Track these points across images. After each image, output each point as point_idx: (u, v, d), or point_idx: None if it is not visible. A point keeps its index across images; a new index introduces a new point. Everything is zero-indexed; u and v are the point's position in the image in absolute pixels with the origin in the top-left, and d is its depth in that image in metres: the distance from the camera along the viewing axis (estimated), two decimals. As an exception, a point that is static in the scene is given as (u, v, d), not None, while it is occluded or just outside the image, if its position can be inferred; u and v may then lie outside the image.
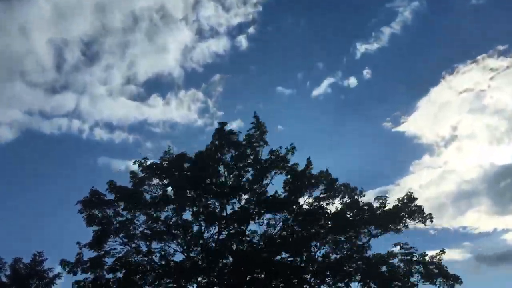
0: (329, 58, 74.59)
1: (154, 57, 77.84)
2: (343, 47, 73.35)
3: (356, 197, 23.59)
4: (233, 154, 24.36)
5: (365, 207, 22.84)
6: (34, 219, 58.80)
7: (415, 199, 22.82)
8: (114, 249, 23.65)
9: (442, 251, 22.07)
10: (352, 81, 68.51)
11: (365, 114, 72.34)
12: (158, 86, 75.04)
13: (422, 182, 63.60)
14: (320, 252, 22.63)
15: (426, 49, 74.20)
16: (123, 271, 22.96)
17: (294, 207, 23.31)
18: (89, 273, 23.23)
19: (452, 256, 53.20)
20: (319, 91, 69.87)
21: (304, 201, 23.84)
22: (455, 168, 70.77)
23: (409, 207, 22.71)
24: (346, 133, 70.97)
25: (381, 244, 22.66)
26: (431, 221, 22.69)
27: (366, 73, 68.98)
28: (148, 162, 24.34)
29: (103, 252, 23.54)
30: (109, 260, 23.40)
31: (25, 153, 66.43)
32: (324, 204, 23.59)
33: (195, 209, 23.76)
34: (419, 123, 70.62)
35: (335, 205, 23.58)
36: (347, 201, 23.45)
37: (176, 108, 72.73)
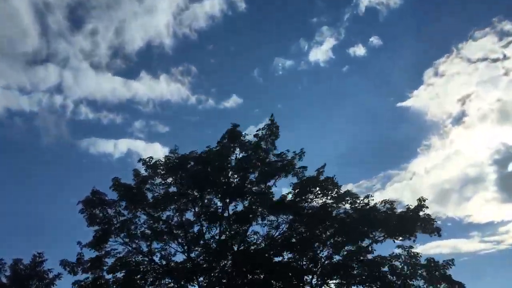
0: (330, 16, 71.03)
1: (143, 20, 70.07)
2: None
3: (361, 204, 23.29)
4: (241, 156, 24.34)
5: (373, 212, 22.40)
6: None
7: (425, 206, 22.23)
8: (115, 249, 23.61)
9: (452, 261, 21.57)
10: (357, 50, 65.97)
11: (370, 87, 69.43)
12: (147, 58, 71.05)
13: (428, 165, 61.35)
14: (323, 253, 22.39)
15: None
16: (124, 271, 22.88)
17: (300, 210, 23.11)
18: (89, 273, 23.14)
19: (463, 246, 52.00)
20: (321, 59, 67.71)
21: (309, 204, 23.65)
22: (463, 149, 66.42)
23: (418, 216, 21.81)
24: (346, 107, 68.23)
25: (384, 246, 22.35)
26: (439, 235, 22.20)
27: (372, 40, 65.87)
28: (153, 161, 24.37)
29: (103, 252, 23.45)
30: (109, 260, 23.38)
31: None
32: (330, 209, 23.39)
33: (196, 209, 23.73)
34: (426, 97, 66.35)
35: (341, 210, 23.35)
36: (354, 206, 23.16)
37: (167, 83, 68.97)
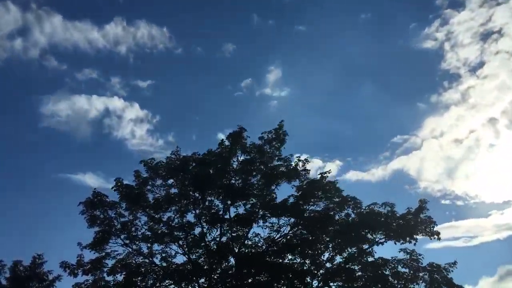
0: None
1: None
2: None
3: (363, 210, 23.19)
4: (244, 158, 24.25)
5: (373, 215, 22.31)
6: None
7: (426, 208, 22.17)
8: (115, 250, 23.55)
9: (454, 263, 21.50)
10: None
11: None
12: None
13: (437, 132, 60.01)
14: (324, 256, 22.33)
15: None
16: (124, 273, 22.82)
17: (302, 213, 23.03)
18: (90, 274, 23.06)
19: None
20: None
21: (311, 208, 23.53)
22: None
23: (419, 218, 21.59)
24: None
25: (386, 249, 22.27)
26: (438, 239, 22.15)
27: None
28: (155, 162, 24.36)
29: (104, 254, 23.39)
30: (109, 262, 23.32)
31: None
32: (332, 213, 23.30)
33: (197, 211, 23.69)
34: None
35: (343, 213, 23.22)
36: (355, 211, 23.05)
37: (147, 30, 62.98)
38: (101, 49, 63.88)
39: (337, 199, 23.02)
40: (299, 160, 24.07)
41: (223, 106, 76.04)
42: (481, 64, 64.87)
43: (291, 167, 23.88)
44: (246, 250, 22.94)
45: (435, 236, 21.77)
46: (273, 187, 23.88)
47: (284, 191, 24.07)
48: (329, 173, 23.60)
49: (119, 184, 23.64)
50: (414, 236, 21.43)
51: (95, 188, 23.91)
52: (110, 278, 22.94)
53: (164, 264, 23.27)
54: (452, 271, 21.14)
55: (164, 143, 68.07)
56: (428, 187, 64.47)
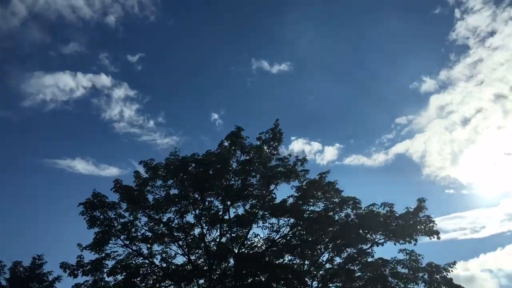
0: None
1: None
2: None
3: (362, 210, 23.23)
4: (243, 159, 24.29)
5: (373, 215, 22.32)
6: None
7: (425, 208, 22.17)
8: (115, 251, 23.55)
9: (454, 263, 21.50)
10: None
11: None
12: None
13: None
14: (323, 257, 22.36)
15: None
16: (124, 273, 22.83)
17: (301, 214, 23.05)
18: (90, 275, 23.07)
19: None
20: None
21: (310, 208, 23.56)
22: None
23: (418, 218, 21.67)
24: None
25: (385, 249, 22.29)
26: (438, 238, 22.17)
27: None
28: (154, 163, 24.36)
29: (104, 255, 23.39)
30: (110, 263, 23.31)
31: None
32: (332, 213, 23.33)
33: (197, 212, 23.71)
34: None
35: (342, 214, 23.24)
36: (355, 212, 23.07)
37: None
38: (88, 21, 59.66)
39: (336, 200, 23.04)
40: (298, 160, 24.11)
41: (218, 82, 72.54)
42: (492, 33, 60.57)
43: (290, 167, 23.90)
44: (246, 251, 22.99)
45: (435, 236, 21.82)
46: (272, 188, 23.94)
47: (283, 192, 24.11)
48: (328, 173, 23.65)
49: (118, 185, 23.65)
50: (414, 236, 21.46)
51: (94, 189, 23.98)
52: (110, 279, 22.97)
53: (164, 265, 23.35)
54: (452, 271, 21.18)
55: (155, 125, 66.01)
56: (431, 174, 61.55)
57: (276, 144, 24.50)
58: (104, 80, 58.89)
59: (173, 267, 23.17)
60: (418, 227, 21.61)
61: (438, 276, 21.23)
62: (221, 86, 72.76)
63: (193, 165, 24.12)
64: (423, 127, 65.93)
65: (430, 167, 63.45)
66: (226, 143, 24.37)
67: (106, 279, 22.96)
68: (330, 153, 68.42)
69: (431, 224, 21.69)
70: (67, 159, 62.21)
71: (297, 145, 65.90)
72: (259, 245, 23.19)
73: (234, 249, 22.72)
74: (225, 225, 23.35)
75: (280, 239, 23.01)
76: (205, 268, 22.56)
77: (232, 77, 72.00)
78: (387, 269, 21.00)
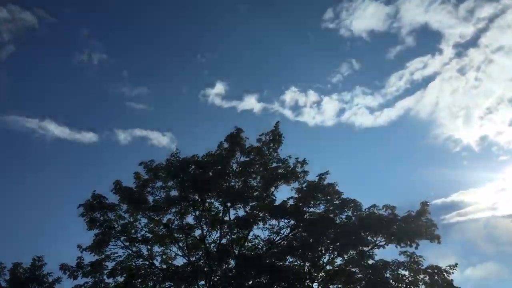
0: None
1: None
2: None
3: (363, 212, 23.15)
4: (243, 160, 24.26)
5: (374, 218, 22.23)
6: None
7: (428, 212, 22.01)
8: (115, 252, 23.58)
9: (456, 265, 21.41)
10: None
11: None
12: None
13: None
14: (324, 258, 22.28)
15: None
16: (124, 275, 22.83)
17: (302, 215, 23.00)
18: (89, 277, 23.06)
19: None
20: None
21: (310, 210, 23.51)
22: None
23: (421, 221, 21.41)
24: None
25: (387, 251, 22.22)
26: (439, 243, 22.03)
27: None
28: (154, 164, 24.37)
29: (103, 256, 23.39)
30: (109, 264, 23.37)
31: None
32: (332, 215, 23.28)
33: (197, 213, 23.69)
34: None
35: (343, 216, 23.16)
36: (356, 214, 22.98)
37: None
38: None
39: (337, 201, 22.99)
40: (298, 162, 24.06)
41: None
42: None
43: (290, 169, 23.86)
44: (246, 252, 22.95)
45: (436, 240, 21.72)
46: (272, 189, 23.90)
47: (284, 193, 24.06)
48: (328, 174, 23.59)
49: (118, 186, 23.63)
50: (415, 240, 21.38)
51: (94, 190, 23.97)
52: (110, 280, 23.03)
53: (164, 266, 23.38)
54: (453, 273, 21.11)
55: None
56: (440, 136, 57.15)
57: (276, 146, 24.47)
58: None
59: (173, 268, 23.16)
60: (420, 231, 21.53)
61: (439, 279, 21.18)
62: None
63: (193, 166, 24.12)
64: (437, 71, 58.85)
65: (442, 127, 59.07)
66: (225, 144, 24.34)
67: (106, 280, 23.03)
68: (329, 107, 62.85)
69: (433, 228, 21.64)
70: (33, 118, 57.75)
71: (289, 96, 62.67)
72: (259, 246, 23.17)
73: (235, 251, 22.68)
74: (225, 226, 23.32)
75: (280, 241, 22.99)
76: (205, 269, 22.54)
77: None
78: (388, 271, 20.92)
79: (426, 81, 61.00)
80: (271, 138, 24.33)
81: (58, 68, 63.62)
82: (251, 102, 64.88)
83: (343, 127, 62.81)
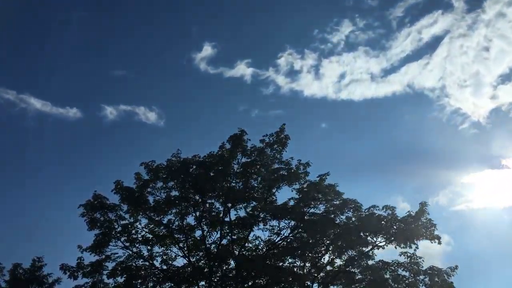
0: None
1: None
2: None
3: (363, 212, 23.17)
4: (244, 161, 24.18)
5: (374, 218, 22.24)
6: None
7: (427, 212, 22.00)
8: (116, 253, 23.51)
9: (456, 267, 21.38)
10: None
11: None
12: None
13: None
14: (324, 259, 22.32)
15: None
16: (124, 275, 22.79)
17: (302, 216, 23.01)
18: (90, 277, 23.04)
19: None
20: None
21: (311, 210, 23.51)
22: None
23: (420, 221, 21.43)
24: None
25: (387, 252, 22.26)
26: (439, 243, 22.04)
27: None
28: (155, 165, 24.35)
29: (104, 256, 23.36)
30: (110, 265, 23.29)
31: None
32: (333, 216, 23.29)
33: (198, 214, 23.70)
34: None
35: (343, 216, 23.18)
36: (356, 214, 22.99)
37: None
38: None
39: (337, 202, 23.03)
40: (300, 164, 24.08)
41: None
42: None
43: (292, 171, 23.85)
44: (247, 253, 22.96)
45: (436, 240, 21.74)
46: (273, 190, 23.92)
47: (285, 194, 24.06)
48: (328, 175, 23.63)
49: (119, 186, 23.66)
50: (415, 241, 21.40)
51: (95, 191, 24.00)
52: (110, 281, 22.96)
53: (164, 267, 23.30)
54: (453, 275, 21.12)
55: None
56: (447, 106, 52.00)
57: (280, 148, 24.39)
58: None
59: (173, 269, 23.13)
60: (420, 231, 21.55)
61: (439, 280, 21.19)
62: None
63: (194, 166, 24.14)
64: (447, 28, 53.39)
65: (450, 97, 54.15)
66: (227, 145, 24.36)
67: (106, 281, 22.99)
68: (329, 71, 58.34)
69: (432, 228, 21.66)
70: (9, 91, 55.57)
71: (283, 61, 58.51)
72: (259, 247, 23.19)
73: (235, 251, 22.69)
74: (226, 227, 23.32)
75: (281, 242, 23.01)
76: (205, 270, 22.51)
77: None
78: (388, 272, 20.95)
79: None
80: (275, 139, 24.28)
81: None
82: (241, 68, 60.92)
83: (342, 98, 58.30)
